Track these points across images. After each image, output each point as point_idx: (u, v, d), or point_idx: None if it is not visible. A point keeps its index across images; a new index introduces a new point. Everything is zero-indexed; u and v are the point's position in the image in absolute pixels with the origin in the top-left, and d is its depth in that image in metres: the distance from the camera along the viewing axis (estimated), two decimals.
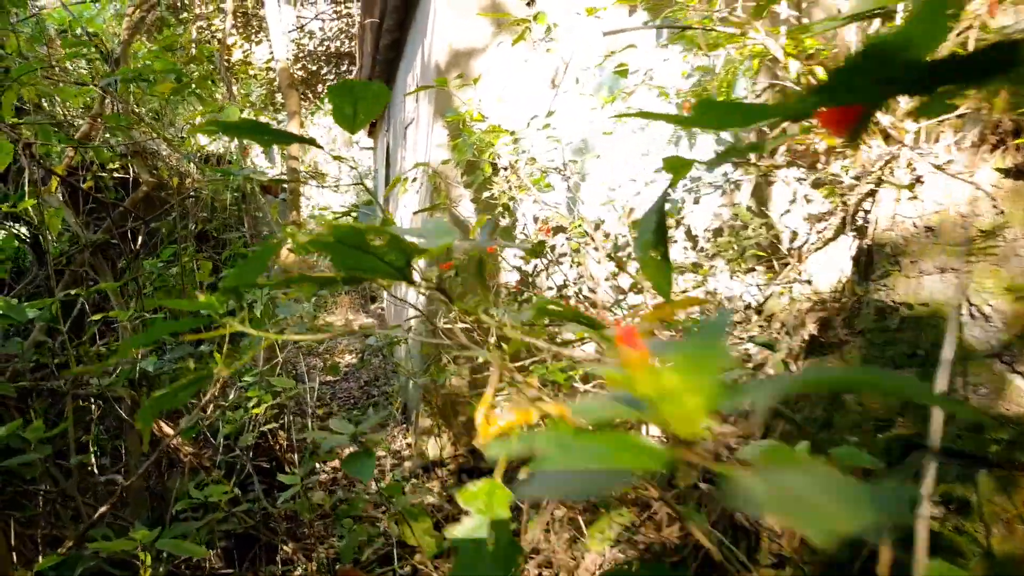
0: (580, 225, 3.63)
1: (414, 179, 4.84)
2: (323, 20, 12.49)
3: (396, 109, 8.84)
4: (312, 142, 0.93)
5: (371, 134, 15.65)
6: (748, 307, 3.86)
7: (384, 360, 6.95)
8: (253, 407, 3.23)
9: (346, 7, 12.22)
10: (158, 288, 4.75)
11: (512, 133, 4.43)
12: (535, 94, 4.70)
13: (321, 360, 7.79)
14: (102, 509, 2.40)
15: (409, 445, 5.42)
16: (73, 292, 2.87)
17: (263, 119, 5.85)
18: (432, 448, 4.97)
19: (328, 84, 12.90)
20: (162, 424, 3.42)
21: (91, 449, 3.01)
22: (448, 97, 4.72)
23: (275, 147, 5.81)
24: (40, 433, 2.14)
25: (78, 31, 4.74)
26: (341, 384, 6.98)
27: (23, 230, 5.13)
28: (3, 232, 4.02)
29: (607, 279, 4.76)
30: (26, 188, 2.95)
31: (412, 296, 6.11)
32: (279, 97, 11.50)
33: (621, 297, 4.86)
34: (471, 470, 4.86)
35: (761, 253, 3.88)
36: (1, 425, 3.18)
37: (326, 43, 12.44)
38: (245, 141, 5.29)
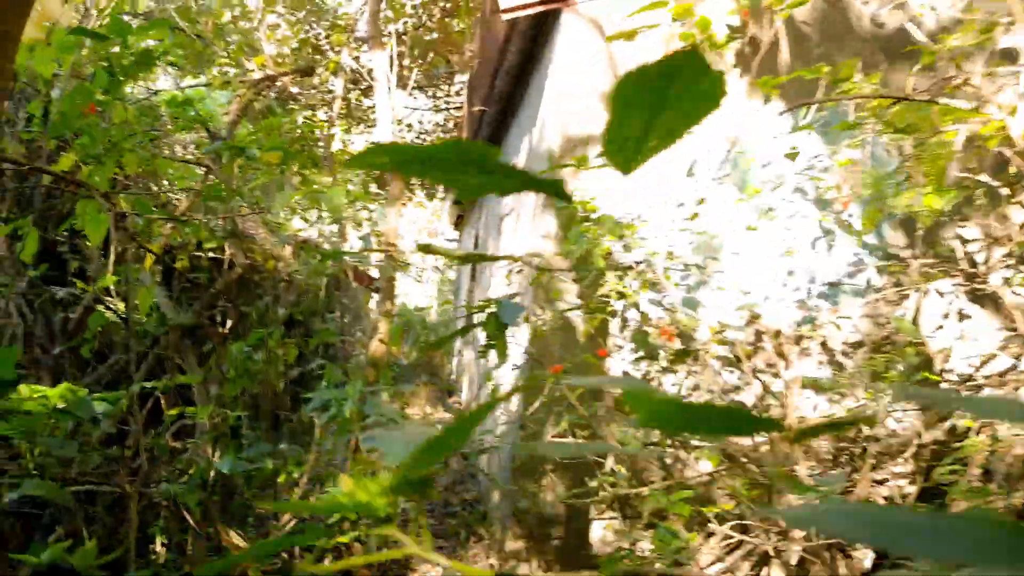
0: (718, 332, 3.15)
1: (518, 270, 4.48)
2: (423, 111, 12.77)
3: (490, 199, 8.70)
4: (559, 190, 0.52)
5: (457, 226, 15.73)
6: (913, 441, 3.24)
7: (466, 464, 6.45)
8: (335, 528, 2.80)
9: (445, 100, 12.49)
10: (241, 375, 4.47)
11: (629, 227, 4.06)
12: (658, 182, 4.35)
13: None
14: None
15: (492, 568, 4.85)
16: (150, 385, 2.56)
17: (361, 207, 5.68)
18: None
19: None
20: (231, 535, 3.02)
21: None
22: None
23: (371, 235, 5.61)
24: (91, 559, 1.75)
25: (190, 113, 4.73)
26: None
27: (121, 305, 5.01)
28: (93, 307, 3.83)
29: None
30: (111, 264, 2.71)
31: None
32: (373, 187, 11.62)
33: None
34: None
35: (934, 377, 3.29)
36: (59, 525, 2.84)
37: (423, 136, 12.66)
38: (342, 224, 5.08)
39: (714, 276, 4.23)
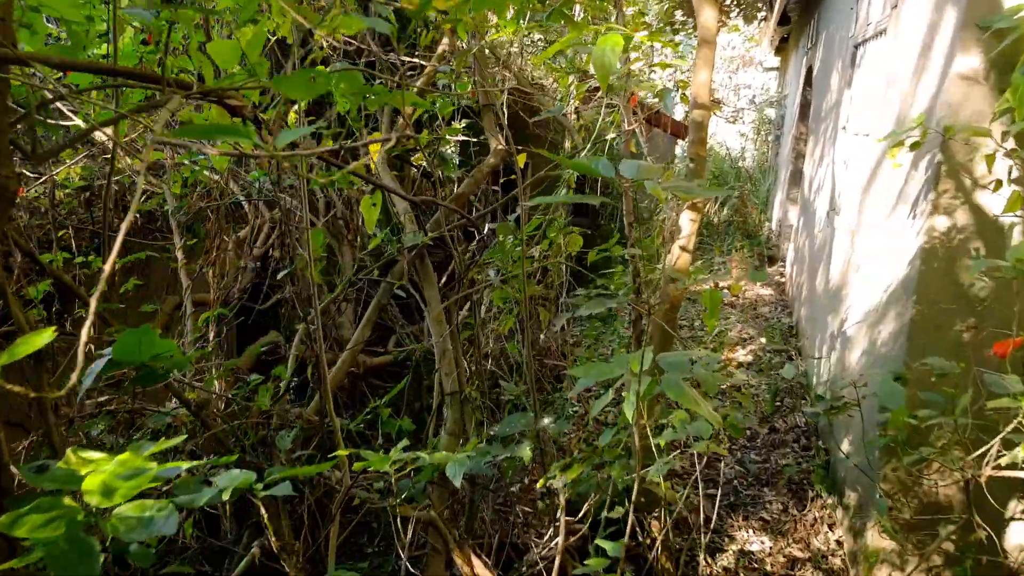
0: None
1: (912, 143, 2.74)
2: None
3: (831, 12, 6.47)
4: None
5: (779, 51, 13.01)
6: None
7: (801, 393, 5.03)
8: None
9: None
10: (507, 280, 3.53)
11: None
12: None
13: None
14: None
15: (840, 544, 3.57)
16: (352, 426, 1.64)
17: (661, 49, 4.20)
18: None
19: None
20: (475, 562, 2.16)
21: None
22: None
23: (674, 87, 4.16)
24: None
25: None
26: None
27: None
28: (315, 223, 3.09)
29: None
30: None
31: (868, 287, 4.07)
32: (679, 14, 9.74)
33: None
34: None
35: None
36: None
37: None
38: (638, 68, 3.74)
39: None
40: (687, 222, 3.27)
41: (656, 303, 3.29)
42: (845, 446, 3.71)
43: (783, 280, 8.85)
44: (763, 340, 6.54)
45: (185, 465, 1.27)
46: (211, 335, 3.35)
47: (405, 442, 1.78)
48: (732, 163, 13.26)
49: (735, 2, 11.07)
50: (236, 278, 4.34)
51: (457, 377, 2.52)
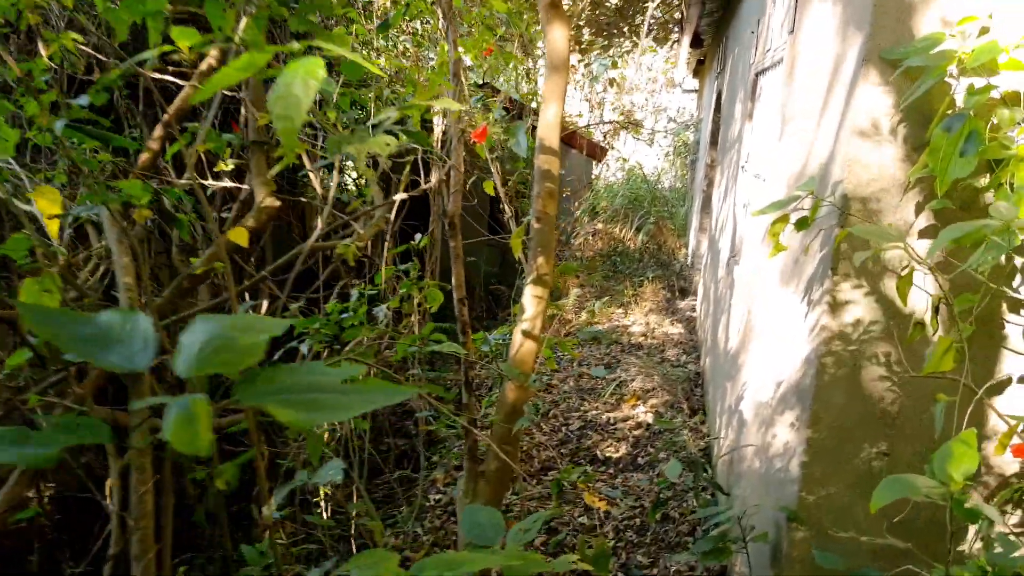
0: None
1: (796, 208, 2.05)
2: None
3: (737, 36, 5.92)
4: None
5: (697, 73, 12.62)
6: None
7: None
8: None
9: None
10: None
11: None
12: None
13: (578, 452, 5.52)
14: None
15: None
16: None
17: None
18: None
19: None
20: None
21: None
22: (897, 22, 1.90)
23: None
24: None
25: None
26: (625, 476, 4.57)
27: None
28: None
29: None
30: None
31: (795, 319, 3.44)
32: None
33: None
34: None
35: None
36: None
37: None
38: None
39: None
40: (531, 300, 2.54)
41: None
42: (740, 567, 3.04)
43: (695, 316, 8.29)
44: (667, 395, 5.89)
45: None
46: None
47: None
48: (649, 186, 12.76)
49: (648, 24, 10.58)
50: None
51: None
